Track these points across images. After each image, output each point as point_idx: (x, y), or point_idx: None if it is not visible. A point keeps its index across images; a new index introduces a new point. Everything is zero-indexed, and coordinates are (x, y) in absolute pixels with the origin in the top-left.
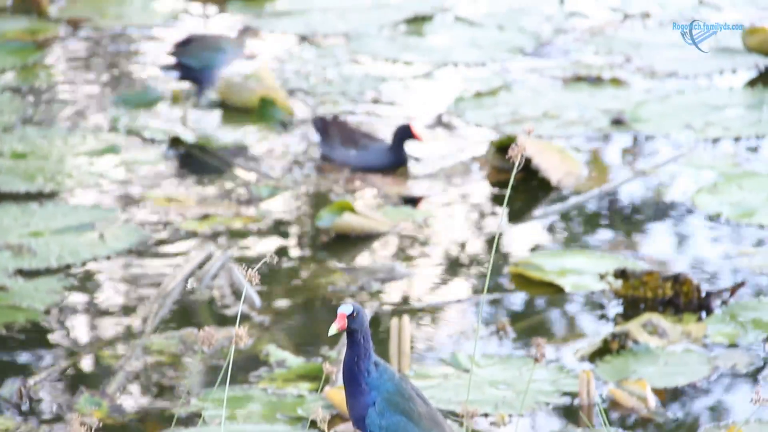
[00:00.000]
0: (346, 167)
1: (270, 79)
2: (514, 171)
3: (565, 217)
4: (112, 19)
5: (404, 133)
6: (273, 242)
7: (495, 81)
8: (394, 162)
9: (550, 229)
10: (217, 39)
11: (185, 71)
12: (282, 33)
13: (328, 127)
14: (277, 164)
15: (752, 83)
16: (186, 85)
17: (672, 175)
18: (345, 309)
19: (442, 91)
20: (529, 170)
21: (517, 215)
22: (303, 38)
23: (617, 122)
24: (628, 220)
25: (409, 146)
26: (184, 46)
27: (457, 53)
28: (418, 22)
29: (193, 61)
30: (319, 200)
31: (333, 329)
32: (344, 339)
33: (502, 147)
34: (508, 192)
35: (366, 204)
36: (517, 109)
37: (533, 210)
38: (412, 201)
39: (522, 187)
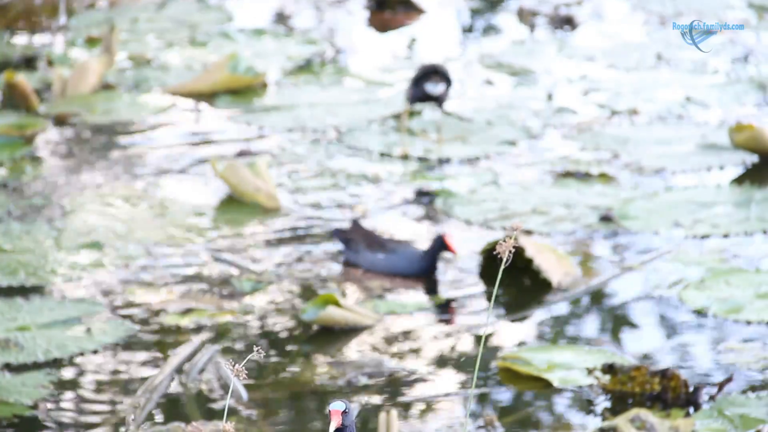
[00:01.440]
0: (374, 272)
1: (265, 173)
2: (501, 267)
3: (553, 313)
4: (100, 114)
5: (441, 244)
6: (258, 336)
7: (484, 177)
8: (426, 270)
9: (539, 324)
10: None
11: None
12: (271, 128)
13: (349, 234)
14: (260, 258)
15: (739, 180)
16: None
17: (659, 272)
18: (339, 406)
19: (431, 185)
20: (530, 271)
21: (509, 312)
22: (291, 131)
23: (605, 219)
24: (616, 316)
25: (443, 256)
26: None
27: (448, 150)
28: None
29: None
30: (303, 294)
31: (332, 427)
32: None
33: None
34: (495, 289)
35: (351, 297)
36: (506, 205)
37: (526, 308)
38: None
39: (521, 287)
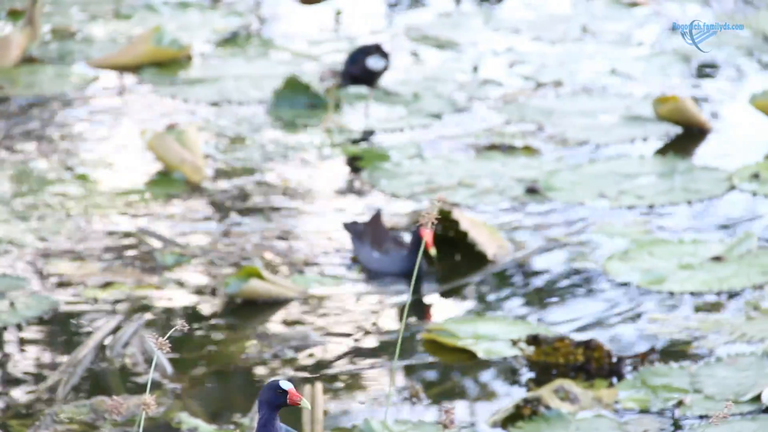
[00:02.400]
0: (368, 270)
1: (195, 142)
2: (425, 238)
3: (479, 285)
4: (23, 87)
5: (418, 241)
6: (182, 310)
7: (409, 149)
8: (410, 269)
9: (467, 297)
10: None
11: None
12: (195, 100)
13: (360, 228)
14: (184, 231)
15: (663, 151)
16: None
17: (584, 243)
18: (289, 385)
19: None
20: (466, 245)
21: (441, 285)
22: (216, 104)
23: (531, 191)
24: (541, 288)
25: (425, 253)
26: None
27: (372, 120)
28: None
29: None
30: (226, 267)
31: (306, 404)
32: (256, 407)
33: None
34: (417, 261)
35: (274, 270)
36: (432, 178)
37: (457, 281)
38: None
39: (454, 261)
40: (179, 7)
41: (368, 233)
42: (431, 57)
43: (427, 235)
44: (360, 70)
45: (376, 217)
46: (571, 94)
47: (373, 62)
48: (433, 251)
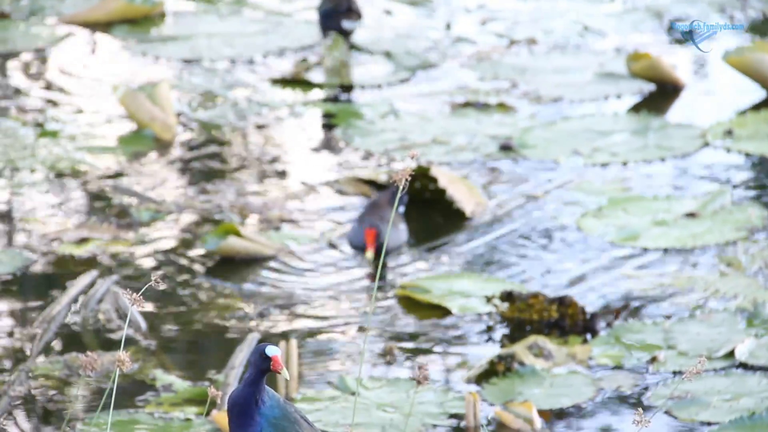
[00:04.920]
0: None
1: (167, 99)
2: (398, 195)
3: (454, 242)
4: None
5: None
6: (158, 266)
7: (382, 107)
8: (358, 243)
9: (444, 254)
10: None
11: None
12: (167, 58)
13: (372, 200)
14: (159, 188)
15: (637, 108)
16: None
17: (560, 200)
18: (275, 351)
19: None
20: (443, 202)
21: (418, 243)
22: (188, 62)
23: (505, 148)
24: (516, 245)
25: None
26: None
27: (349, 79)
28: (306, 49)
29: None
30: (202, 224)
31: (286, 374)
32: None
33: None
34: (391, 216)
35: (250, 227)
36: (406, 135)
37: (435, 238)
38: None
39: (432, 218)
40: None
41: (369, 207)
42: (404, 14)
43: (369, 235)
44: (335, 27)
45: (385, 196)
46: (544, 52)
47: (349, 23)
48: (369, 254)
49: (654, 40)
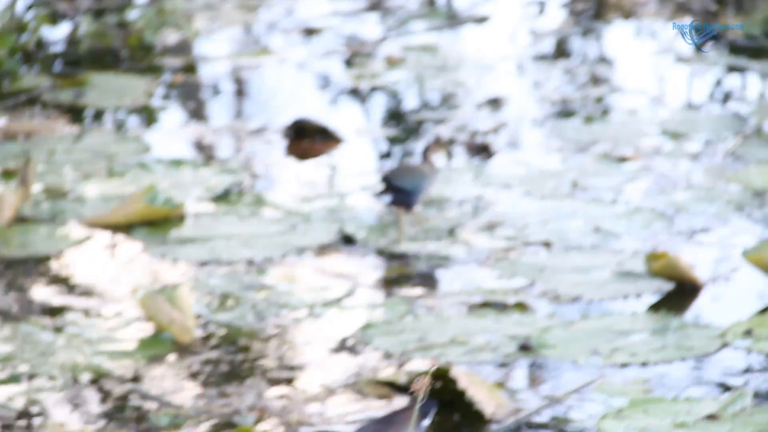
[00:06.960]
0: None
1: (186, 302)
2: (417, 404)
3: None
4: (16, 248)
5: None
6: None
7: (399, 308)
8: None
9: None
10: (418, 168)
11: (396, 193)
12: (185, 260)
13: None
14: (178, 391)
15: (655, 308)
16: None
17: (582, 402)
18: None
19: (351, 317)
20: (462, 404)
21: None
22: (205, 264)
23: (524, 348)
24: None
25: None
26: (394, 173)
27: (363, 278)
28: (325, 249)
29: (407, 183)
30: (221, 428)
31: None
32: None
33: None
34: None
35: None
36: (425, 336)
37: None
38: None
39: (451, 422)
40: (172, 165)
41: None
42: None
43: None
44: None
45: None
46: (562, 251)
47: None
48: None
49: (670, 239)
